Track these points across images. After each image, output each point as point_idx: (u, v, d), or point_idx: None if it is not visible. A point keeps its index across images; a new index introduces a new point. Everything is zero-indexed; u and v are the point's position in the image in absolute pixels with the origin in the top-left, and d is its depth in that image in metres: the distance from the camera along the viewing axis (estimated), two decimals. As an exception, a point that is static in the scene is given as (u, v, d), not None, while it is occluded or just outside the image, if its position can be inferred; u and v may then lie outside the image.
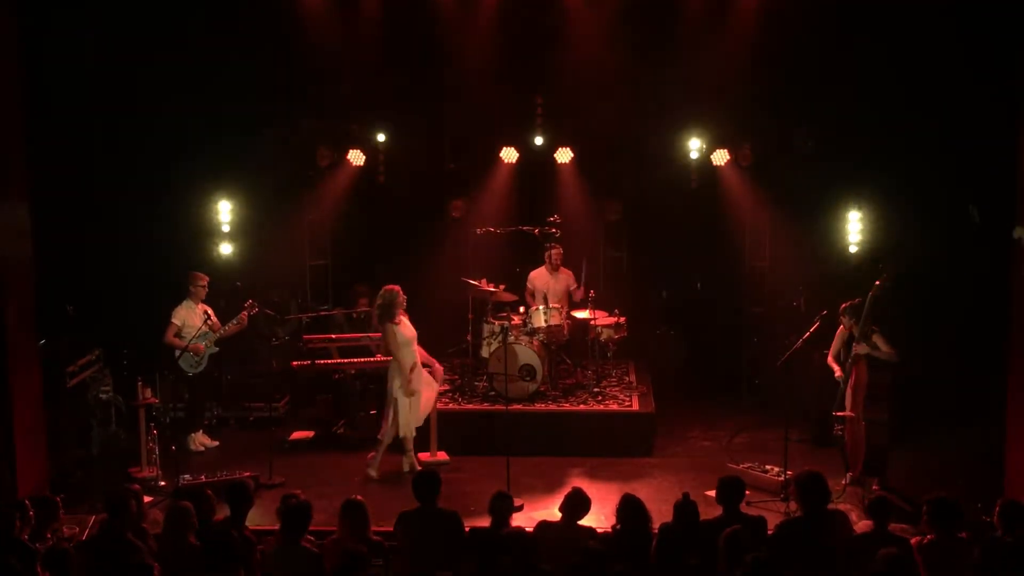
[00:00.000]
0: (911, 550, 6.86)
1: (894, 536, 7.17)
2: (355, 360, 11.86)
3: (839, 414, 9.82)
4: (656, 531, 7.11)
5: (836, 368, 9.96)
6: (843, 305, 9.99)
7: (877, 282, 9.69)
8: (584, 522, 7.57)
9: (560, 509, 7.53)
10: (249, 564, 6.67)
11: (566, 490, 7.63)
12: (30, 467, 9.41)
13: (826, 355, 10.18)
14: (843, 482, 9.74)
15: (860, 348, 9.66)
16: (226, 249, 12.90)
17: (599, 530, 7.64)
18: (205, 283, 11.46)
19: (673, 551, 6.62)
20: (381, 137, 13.22)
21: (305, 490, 8.94)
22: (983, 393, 11.31)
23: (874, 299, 9.66)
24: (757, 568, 6.05)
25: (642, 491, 7.76)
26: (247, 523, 7.51)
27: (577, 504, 7.47)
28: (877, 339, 9.66)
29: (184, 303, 11.34)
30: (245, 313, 11.46)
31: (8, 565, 6.49)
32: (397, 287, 10.52)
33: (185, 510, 7.15)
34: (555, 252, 12.41)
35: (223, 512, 7.61)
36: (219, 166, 12.84)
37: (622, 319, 12.40)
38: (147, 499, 9.74)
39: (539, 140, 13.26)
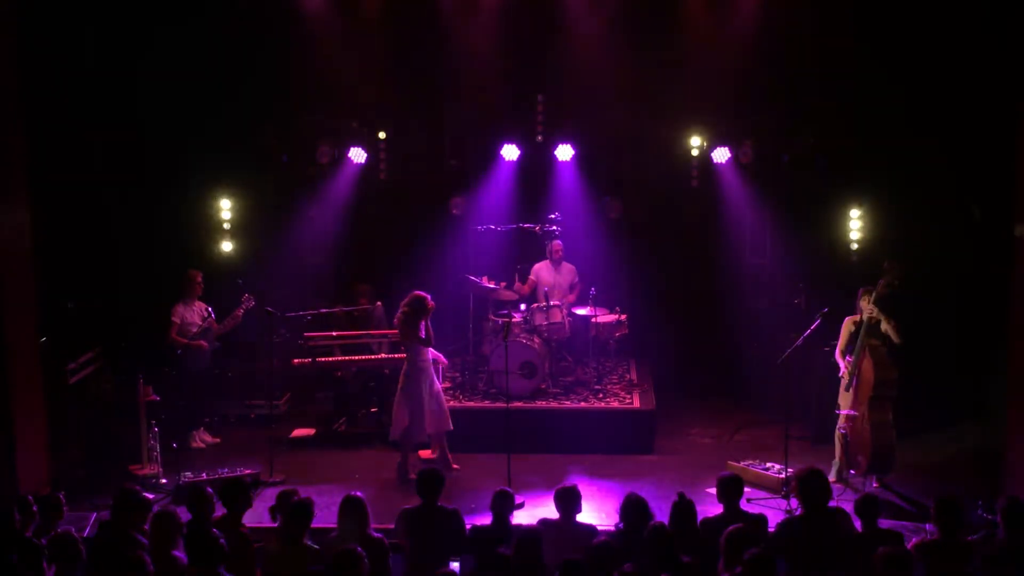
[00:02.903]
0: (904, 547, 6.86)
1: (888, 532, 7.16)
2: (356, 357, 11.89)
3: (844, 412, 9.79)
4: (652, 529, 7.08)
5: (842, 365, 9.94)
6: (862, 290, 9.93)
7: (881, 281, 9.67)
8: (587, 520, 7.56)
9: (556, 507, 7.53)
10: (244, 562, 6.66)
11: (558, 488, 7.60)
12: (31, 464, 9.42)
13: (830, 351, 10.17)
14: (831, 478, 9.70)
15: (870, 310, 9.60)
16: (227, 247, 12.91)
17: (600, 527, 7.64)
18: (200, 279, 11.48)
19: (665, 550, 6.62)
20: (382, 134, 13.20)
21: (306, 487, 8.97)
22: (982, 390, 11.33)
23: (879, 299, 9.64)
24: (756, 566, 6.05)
25: (643, 489, 7.77)
26: (244, 521, 7.51)
27: (569, 498, 7.44)
28: (884, 323, 9.65)
29: (182, 301, 11.36)
30: (241, 308, 11.46)
31: (10, 562, 6.49)
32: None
33: (170, 516, 7.07)
34: (555, 245, 12.41)
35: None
36: (220, 163, 12.83)
37: (623, 316, 12.41)
38: (148, 496, 9.80)
39: (540, 137, 13.23)
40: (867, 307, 9.79)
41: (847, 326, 9.98)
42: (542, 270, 12.49)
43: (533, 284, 12.41)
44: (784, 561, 6.97)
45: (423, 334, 10.35)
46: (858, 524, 7.29)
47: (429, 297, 10.48)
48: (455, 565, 6.81)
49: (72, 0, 11.64)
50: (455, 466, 10.50)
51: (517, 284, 12.44)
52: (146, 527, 7.40)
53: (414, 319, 10.33)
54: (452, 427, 10.54)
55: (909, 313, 9.92)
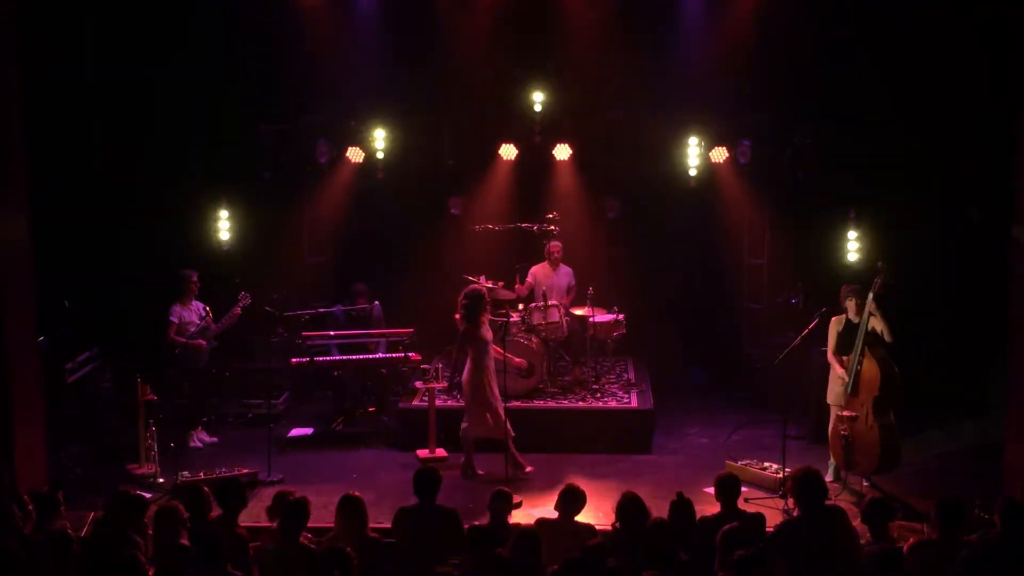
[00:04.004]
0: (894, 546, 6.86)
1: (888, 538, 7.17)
2: (354, 357, 11.88)
3: (846, 413, 9.77)
4: (650, 527, 7.09)
5: (838, 367, 9.92)
6: (846, 286, 9.96)
7: (877, 280, 9.67)
8: (583, 519, 7.57)
9: (556, 506, 7.53)
10: (241, 562, 6.68)
11: (564, 486, 7.63)
12: (29, 463, 9.41)
13: (824, 352, 10.17)
14: (827, 478, 9.69)
15: (871, 306, 9.62)
16: (225, 246, 12.90)
17: (598, 527, 7.65)
18: (196, 279, 11.49)
19: (664, 548, 6.62)
20: (380, 134, 13.21)
21: (303, 487, 8.97)
22: (980, 389, 11.34)
23: (877, 298, 9.64)
24: (746, 565, 6.06)
25: (640, 488, 7.73)
26: (242, 521, 7.52)
27: (572, 499, 7.46)
28: (874, 320, 9.65)
29: (179, 301, 11.37)
30: (238, 307, 11.48)
31: (10, 558, 6.51)
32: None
33: (174, 510, 7.13)
34: (554, 246, 12.41)
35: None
36: (218, 163, 12.83)
37: (621, 316, 12.41)
38: (146, 496, 9.81)
39: (538, 137, 13.23)
40: (852, 306, 9.82)
41: (834, 326, 9.98)
42: (539, 272, 12.48)
43: (531, 286, 12.41)
44: (783, 562, 6.98)
45: (488, 334, 10.39)
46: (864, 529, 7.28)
47: (486, 291, 10.53)
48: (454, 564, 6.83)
49: (72, 1, 11.65)
50: (480, 472, 10.49)
51: (517, 286, 12.44)
52: (145, 526, 7.44)
53: (475, 313, 10.33)
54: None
55: (902, 311, 9.94)
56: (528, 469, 10.41)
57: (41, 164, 10.39)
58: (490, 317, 12.11)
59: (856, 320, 9.78)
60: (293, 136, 13.15)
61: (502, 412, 10.37)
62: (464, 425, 10.49)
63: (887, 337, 9.64)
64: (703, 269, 13.69)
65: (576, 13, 12.57)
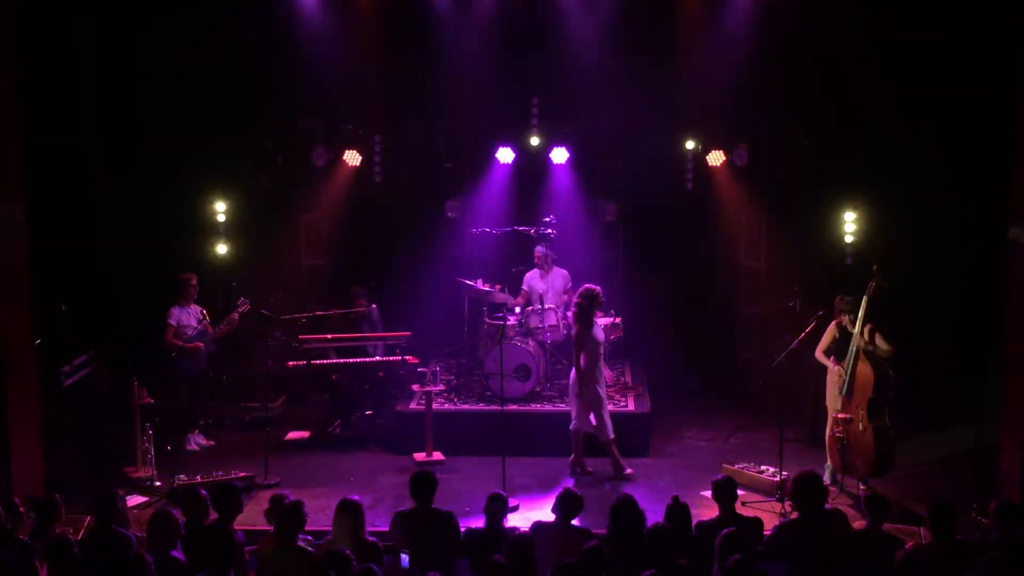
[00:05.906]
0: (903, 550, 6.88)
1: (889, 536, 7.18)
2: (352, 360, 11.86)
3: (840, 416, 9.77)
4: (648, 532, 7.10)
5: (825, 360, 9.95)
6: (841, 299, 10.00)
7: (872, 283, 9.69)
8: (579, 523, 7.57)
9: (553, 509, 7.53)
10: (237, 566, 6.68)
11: (561, 490, 7.63)
12: (26, 467, 9.41)
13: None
14: (824, 481, 9.70)
15: (860, 341, 9.65)
16: (222, 249, 12.91)
17: (594, 531, 7.64)
18: (195, 283, 11.49)
19: (663, 552, 6.62)
20: (377, 137, 13.21)
21: (300, 490, 8.98)
22: (976, 391, 11.34)
23: (869, 300, 9.66)
24: (738, 571, 6.07)
25: (637, 492, 7.78)
26: (237, 524, 7.51)
27: (569, 503, 7.46)
28: (878, 339, 9.66)
29: (177, 304, 11.37)
30: (236, 312, 11.47)
31: (2, 561, 6.51)
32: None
33: (167, 517, 7.10)
34: (537, 252, 12.36)
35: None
36: (216, 165, 12.83)
37: (618, 319, 12.41)
38: (142, 499, 9.85)
39: (535, 140, 13.24)
40: (844, 318, 9.88)
41: (831, 329, 10.04)
42: (532, 279, 12.47)
43: (527, 294, 12.41)
44: (784, 564, 6.99)
45: (600, 335, 10.54)
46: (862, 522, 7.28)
47: (600, 289, 10.60)
48: None
49: (70, 1, 11.65)
50: (590, 470, 10.59)
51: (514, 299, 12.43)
52: (135, 530, 7.44)
53: (588, 312, 10.41)
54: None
55: (900, 314, 9.96)
56: (629, 472, 10.49)
57: (39, 166, 10.38)
58: (488, 320, 12.18)
59: (852, 330, 9.84)
60: (291, 139, 13.15)
61: (606, 415, 10.47)
62: (573, 423, 10.54)
63: (886, 346, 9.64)
64: (700, 272, 13.68)
65: (573, 15, 12.57)
